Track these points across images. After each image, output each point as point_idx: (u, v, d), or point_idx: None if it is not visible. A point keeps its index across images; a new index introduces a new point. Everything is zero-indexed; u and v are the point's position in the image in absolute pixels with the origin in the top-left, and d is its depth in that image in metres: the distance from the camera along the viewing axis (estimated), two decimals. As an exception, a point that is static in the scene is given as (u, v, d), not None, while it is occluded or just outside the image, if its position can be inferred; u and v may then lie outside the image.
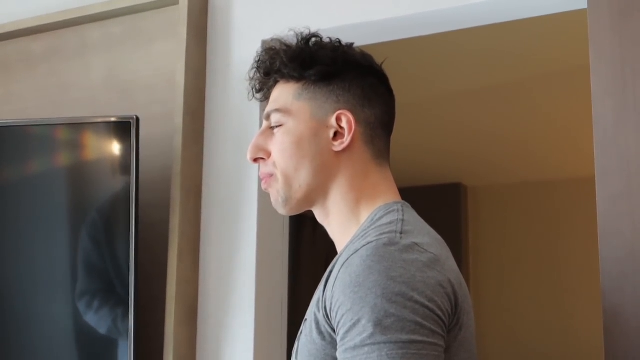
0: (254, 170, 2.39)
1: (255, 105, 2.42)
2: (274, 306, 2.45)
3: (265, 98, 1.48)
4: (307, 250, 5.11)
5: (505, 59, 3.60)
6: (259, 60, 1.46)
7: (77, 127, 2.42)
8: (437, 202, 5.26)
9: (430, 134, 4.61)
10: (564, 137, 4.59)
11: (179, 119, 2.41)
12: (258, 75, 1.47)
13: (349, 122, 1.39)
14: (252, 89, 1.49)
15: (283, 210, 1.43)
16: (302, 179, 1.39)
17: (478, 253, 5.76)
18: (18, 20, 2.79)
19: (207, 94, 2.51)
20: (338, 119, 1.40)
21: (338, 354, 1.19)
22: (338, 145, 1.39)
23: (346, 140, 1.39)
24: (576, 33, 2.57)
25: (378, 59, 1.49)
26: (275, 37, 1.54)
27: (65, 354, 2.35)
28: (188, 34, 2.46)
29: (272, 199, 1.43)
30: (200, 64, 2.50)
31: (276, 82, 1.45)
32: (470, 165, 5.34)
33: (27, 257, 2.40)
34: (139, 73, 2.57)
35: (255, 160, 1.44)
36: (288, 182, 1.40)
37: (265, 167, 1.43)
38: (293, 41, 1.44)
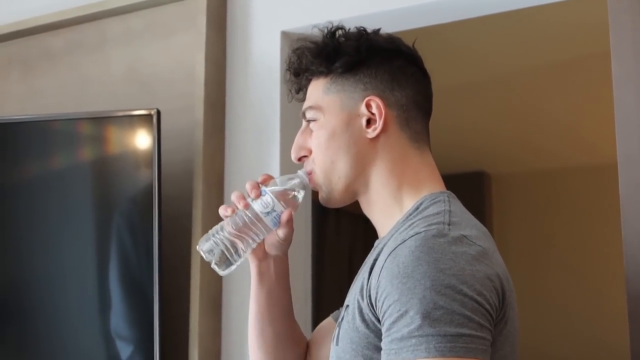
0: (275, 161, 2.39)
1: (276, 96, 2.42)
2: (298, 297, 2.44)
3: (304, 98, 1.49)
4: (330, 242, 5.11)
5: (526, 45, 3.58)
6: (289, 62, 1.48)
7: (99, 121, 2.43)
8: (460, 191, 5.22)
9: (452, 121, 4.58)
10: (589, 123, 4.55)
11: (199, 112, 2.41)
12: (290, 77, 1.48)
13: (378, 106, 1.39)
14: (290, 90, 1.50)
15: (328, 205, 1.44)
16: (340, 170, 1.39)
17: (503, 243, 5.72)
18: (38, 15, 2.81)
19: (227, 85, 2.51)
20: (368, 106, 1.39)
21: (383, 344, 1.18)
22: (372, 132, 1.39)
23: (379, 125, 1.38)
24: (597, 19, 2.55)
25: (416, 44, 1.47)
26: (301, 37, 1.54)
27: (91, 347, 2.37)
28: (207, 25, 2.46)
29: (319, 196, 1.44)
30: (220, 56, 2.50)
31: (309, 80, 1.46)
32: (493, 153, 5.30)
33: (51, 251, 2.42)
34: (159, 66, 2.58)
35: (300, 159, 1.45)
36: (327, 176, 1.41)
37: (307, 165, 1.44)
38: (319, 38, 1.45)
